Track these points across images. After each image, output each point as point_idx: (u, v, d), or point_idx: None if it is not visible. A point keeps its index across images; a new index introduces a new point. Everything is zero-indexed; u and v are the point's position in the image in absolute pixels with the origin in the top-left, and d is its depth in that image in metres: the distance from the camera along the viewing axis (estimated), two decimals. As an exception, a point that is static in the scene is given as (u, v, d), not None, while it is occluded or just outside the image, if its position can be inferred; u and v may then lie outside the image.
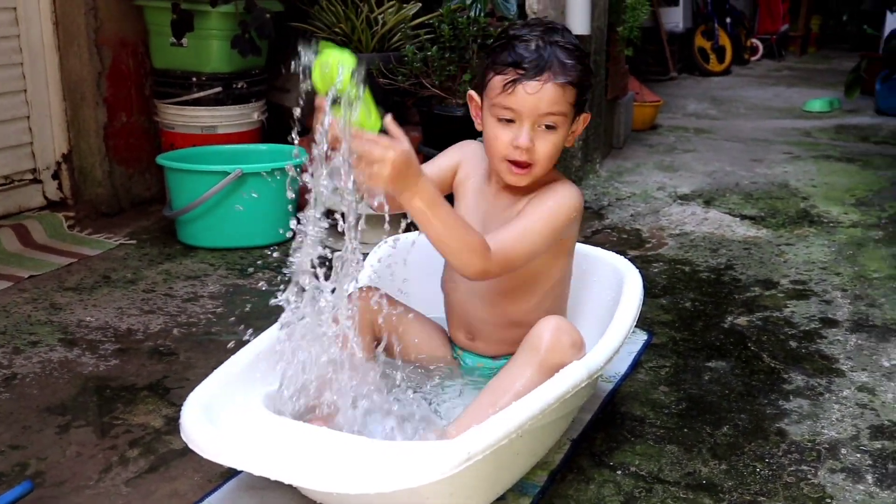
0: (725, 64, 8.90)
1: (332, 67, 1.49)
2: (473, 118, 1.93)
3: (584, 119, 1.88)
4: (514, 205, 1.90)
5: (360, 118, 1.51)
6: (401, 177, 1.53)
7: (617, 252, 2.29)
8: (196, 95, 3.58)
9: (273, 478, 1.40)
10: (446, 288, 2.05)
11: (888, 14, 7.05)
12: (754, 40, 10.16)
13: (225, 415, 1.59)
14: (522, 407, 1.54)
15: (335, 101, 1.50)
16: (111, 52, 3.54)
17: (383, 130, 1.57)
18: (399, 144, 1.53)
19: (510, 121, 1.80)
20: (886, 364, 2.34)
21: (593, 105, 4.24)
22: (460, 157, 2.03)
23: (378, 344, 1.89)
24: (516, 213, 1.86)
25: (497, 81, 1.80)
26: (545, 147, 1.81)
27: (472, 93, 1.92)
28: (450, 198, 1.96)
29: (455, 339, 2.07)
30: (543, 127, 1.81)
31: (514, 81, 1.77)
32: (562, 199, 1.86)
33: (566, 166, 4.09)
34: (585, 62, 1.84)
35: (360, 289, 1.93)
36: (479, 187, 1.98)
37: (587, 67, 1.84)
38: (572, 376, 1.66)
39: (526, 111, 1.78)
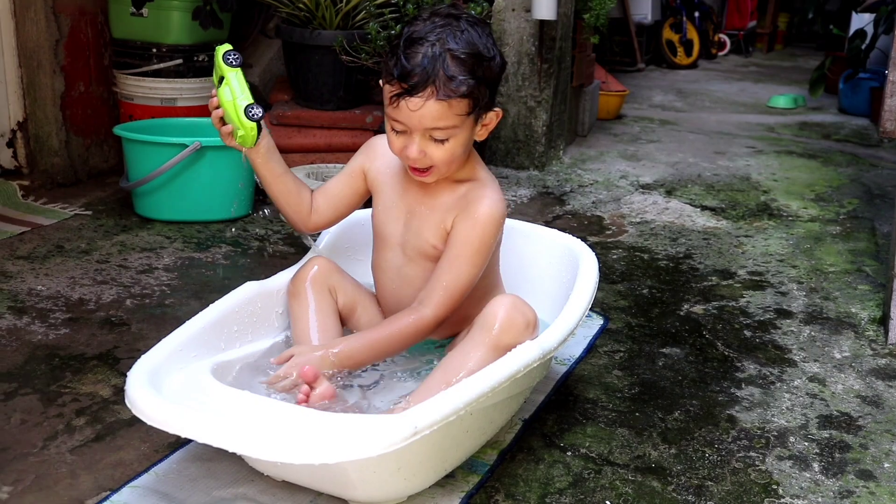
0: (693, 57, 8.94)
1: (216, 54, 1.77)
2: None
3: (495, 114, 1.81)
4: (446, 212, 1.84)
5: (231, 95, 1.72)
6: (320, 368, 1.69)
7: (577, 238, 2.27)
8: (156, 67, 3.53)
9: (216, 446, 1.38)
10: (377, 276, 1.99)
11: (854, 15, 7.11)
12: (722, 35, 10.22)
13: (171, 382, 1.57)
14: (472, 384, 1.52)
15: (220, 82, 1.76)
16: (69, 19, 3.47)
17: (254, 117, 1.71)
18: (293, 360, 1.71)
19: (402, 131, 1.74)
20: (838, 356, 2.35)
21: (559, 91, 4.24)
22: (366, 157, 1.95)
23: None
24: (444, 227, 1.83)
25: (386, 91, 1.72)
26: (440, 153, 1.73)
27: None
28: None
29: None
30: (433, 138, 1.73)
31: (399, 96, 1.67)
32: (490, 216, 1.80)
33: (530, 152, 4.09)
34: (480, 71, 1.71)
35: (313, 259, 1.96)
36: (399, 179, 1.91)
37: (482, 76, 1.71)
38: (524, 356, 1.64)
39: (412, 125, 1.70)
